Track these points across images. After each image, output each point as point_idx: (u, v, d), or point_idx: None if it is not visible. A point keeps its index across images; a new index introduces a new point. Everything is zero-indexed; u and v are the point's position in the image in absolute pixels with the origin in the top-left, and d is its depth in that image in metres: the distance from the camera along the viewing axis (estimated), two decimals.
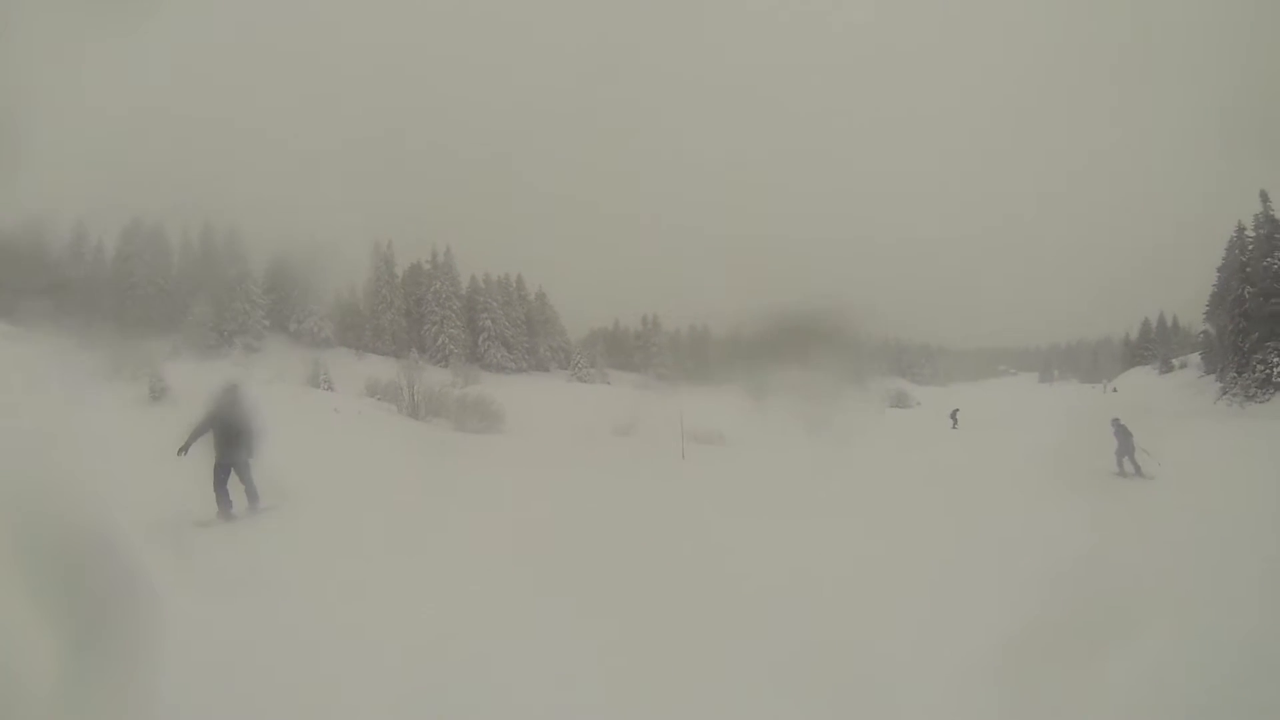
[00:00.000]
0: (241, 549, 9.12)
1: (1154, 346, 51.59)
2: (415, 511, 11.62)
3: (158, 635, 5.22)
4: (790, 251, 53.22)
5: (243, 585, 7.08)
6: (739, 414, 33.97)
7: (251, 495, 10.66)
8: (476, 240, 56.77)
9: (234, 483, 10.61)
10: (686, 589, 7.92)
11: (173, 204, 41.06)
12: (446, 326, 46.23)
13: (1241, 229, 38.64)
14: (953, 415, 35.57)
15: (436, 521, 10.66)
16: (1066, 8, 72.42)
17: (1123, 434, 17.67)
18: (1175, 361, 48.00)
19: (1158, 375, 48.06)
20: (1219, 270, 41.60)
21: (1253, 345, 36.09)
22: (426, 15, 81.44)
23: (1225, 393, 37.43)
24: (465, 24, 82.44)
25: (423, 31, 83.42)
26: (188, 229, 42.79)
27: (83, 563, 5.82)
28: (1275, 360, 35.31)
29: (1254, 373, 35.89)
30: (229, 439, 10.54)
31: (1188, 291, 44.57)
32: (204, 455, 10.46)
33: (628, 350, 54.09)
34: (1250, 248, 37.68)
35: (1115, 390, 47.76)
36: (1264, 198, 37.01)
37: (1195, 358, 45.66)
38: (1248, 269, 37.31)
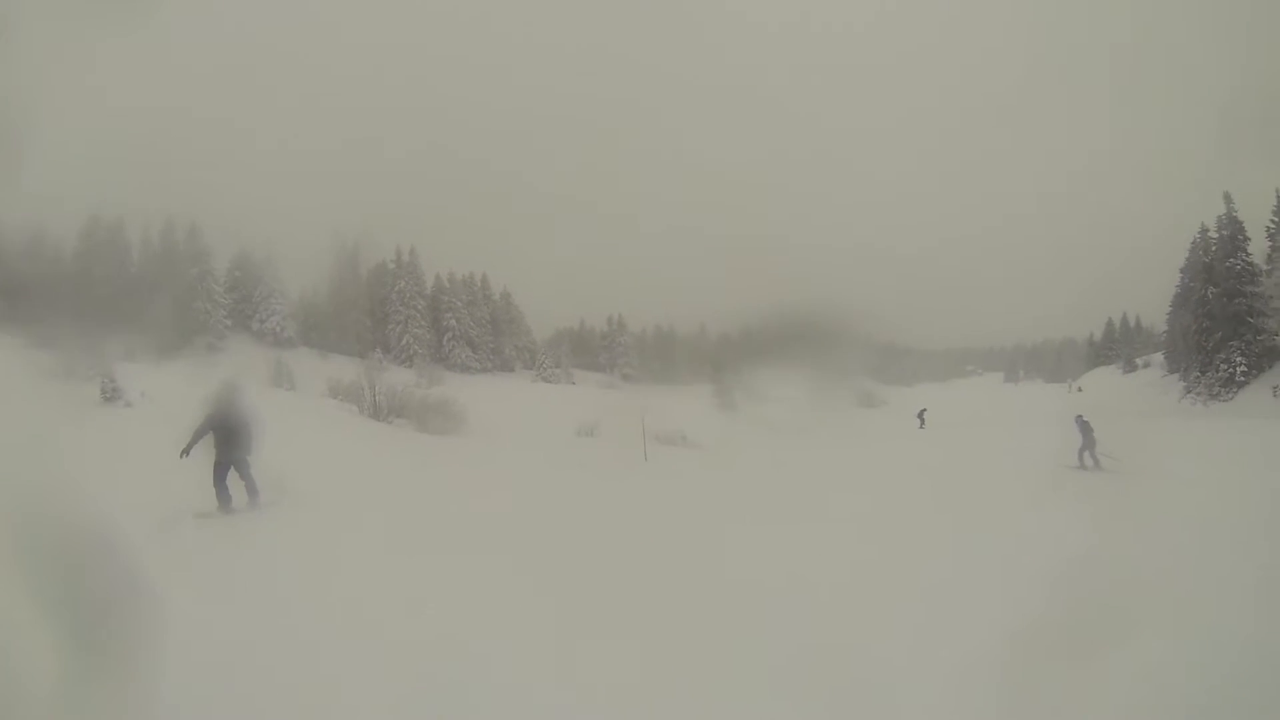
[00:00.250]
0: (241, 545, 9.26)
1: (1118, 346, 52.01)
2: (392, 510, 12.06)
3: (158, 635, 5.17)
4: (759, 252, 53.35)
5: (243, 584, 7.10)
6: (704, 415, 33.84)
7: (251, 491, 10.95)
8: (441, 239, 56.42)
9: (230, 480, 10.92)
10: (661, 590, 7.85)
11: (136, 201, 40.26)
12: (411, 326, 45.73)
13: (1205, 230, 39.01)
14: (920, 415, 35.57)
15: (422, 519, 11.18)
16: (1048, 22, 73.19)
17: (1085, 430, 18.30)
18: (1139, 361, 48.43)
19: (1121, 375, 48.47)
20: (1182, 271, 42.03)
21: (1216, 345, 36.43)
22: (399, 13, 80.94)
23: (1189, 391, 37.80)
24: (436, 22, 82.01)
25: (394, 30, 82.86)
26: (148, 226, 42.00)
27: (83, 563, 5.81)
28: (1238, 360, 35.66)
29: (1217, 372, 36.23)
30: (228, 437, 10.88)
31: (1151, 292, 45.01)
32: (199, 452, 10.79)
33: (593, 350, 54.06)
34: (1214, 248, 38.00)
35: (1080, 390, 48.08)
36: (1228, 199, 37.48)
37: (1158, 357, 46.11)
38: (1211, 269, 37.61)
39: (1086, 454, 18.08)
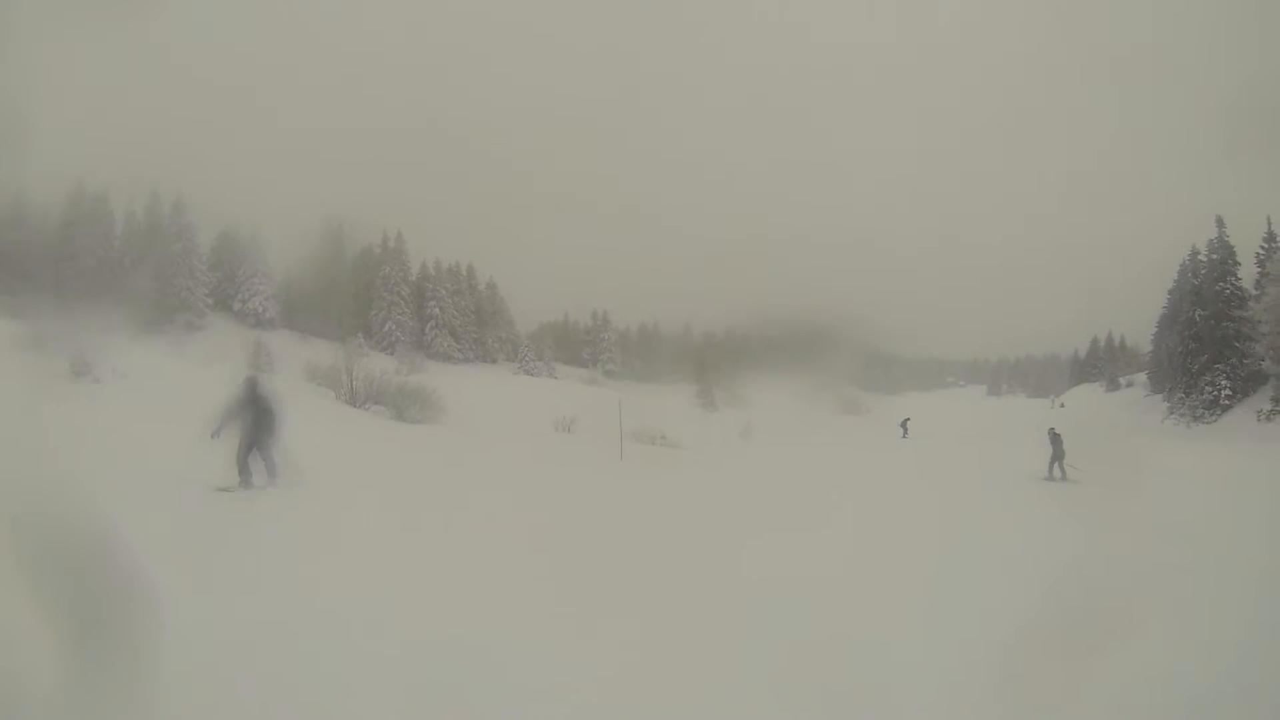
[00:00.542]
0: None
1: (1101, 364, 52.08)
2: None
3: (158, 635, 5.08)
4: (747, 254, 53.23)
5: (244, 583, 7.02)
6: (685, 415, 33.68)
7: (272, 470, 11.84)
8: (428, 227, 56.07)
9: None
10: (652, 589, 7.76)
11: (122, 172, 39.72)
12: (394, 313, 45.43)
13: (1195, 253, 39.03)
14: (903, 425, 35.42)
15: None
16: (1038, 43, 73.53)
17: (1056, 443, 18.71)
18: (1122, 380, 48.52)
19: (1104, 392, 48.53)
20: (1169, 293, 42.08)
21: (1201, 367, 36.36)
22: (398, 3, 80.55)
23: (1172, 412, 37.81)
24: (435, 9, 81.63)
25: (391, 15, 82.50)
26: (133, 200, 41.47)
27: (83, 562, 5.66)
28: (1224, 383, 35.65)
29: (1201, 394, 36.18)
30: (254, 420, 11.84)
31: (1136, 312, 45.10)
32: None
33: (577, 345, 53.84)
34: (1203, 271, 37.98)
35: (1063, 405, 48.11)
36: (1220, 223, 37.50)
37: (1141, 377, 46.21)
38: (1200, 292, 37.58)
39: (1055, 465, 18.53)
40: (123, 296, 37.37)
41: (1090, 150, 69.21)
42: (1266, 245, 35.94)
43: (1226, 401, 35.63)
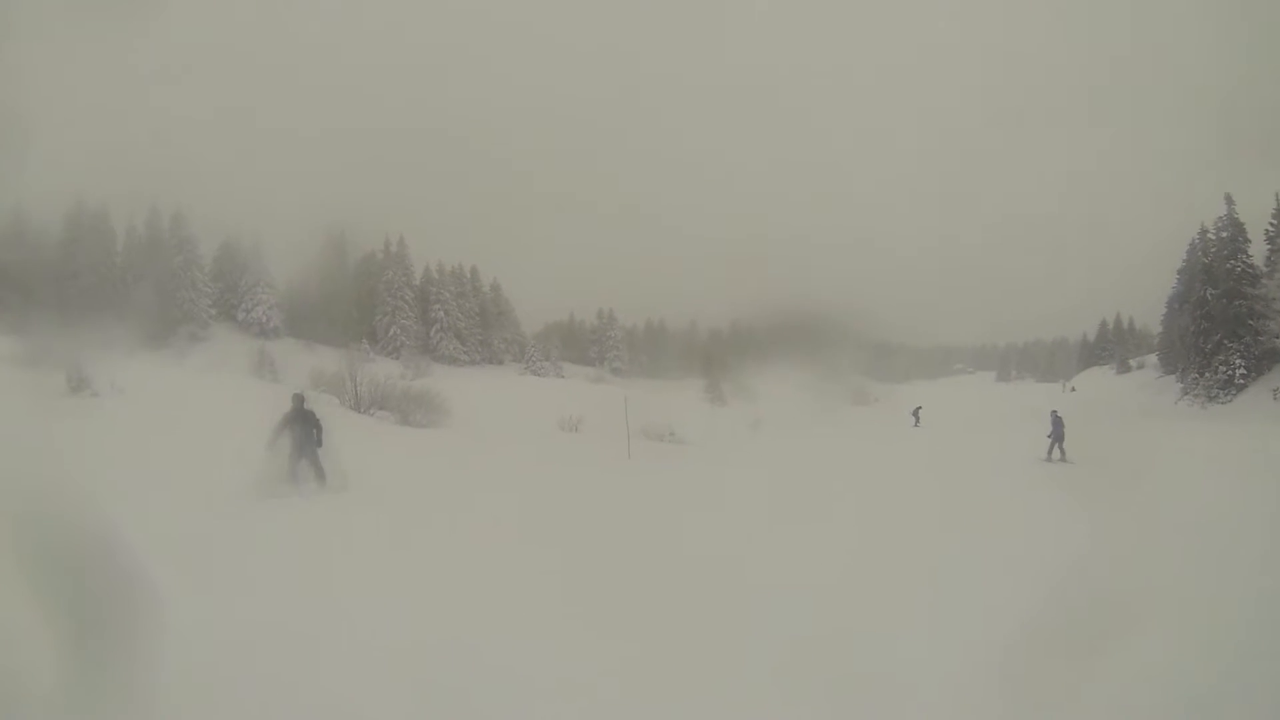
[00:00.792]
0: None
1: (1111, 347, 51.66)
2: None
3: (158, 635, 5.12)
4: (752, 249, 52.94)
5: (250, 584, 7.16)
6: (693, 411, 33.46)
7: (320, 477, 12.97)
8: (431, 230, 55.92)
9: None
10: (655, 588, 7.68)
11: (122, 187, 39.60)
12: (398, 317, 45.25)
13: (1204, 231, 38.59)
14: (915, 413, 35.03)
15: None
16: (1045, 26, 73.21)
17: (1057, 425, 19.16)
18: (1132, 362, 48.07)
19: (1115, 375, 48.10)
20: (1179, 272, 41.64)
21: (1214, 346, 35.91)
22: (396, 4, 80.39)
23: (1186, 393, 37.32)
24: (434, 13, 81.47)
25: (390, 20, 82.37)
26: (133, 214, 41.36)
27: (83, 563, 5.77)
28: (1238, 362, 35.19)
29: (1215, 374, 35.72)
30: (302, 432, 13.08)
31: (1145, 294, 44.71)
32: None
33: (583, 344, 53.60)
34: (1213, 250, 37.55)
35: (1074, 389, 47.67)
36: (1229, 200, 37.00)
37: (1152, 359, 45.75)
38: (1210, 270, 37.15)
39: (1056, 447, 19.00)
40: (125, 311, 37.24)
41: (1096, 134, 68.72)
42: (1276, 221, 35.60)
43: (1241, 381, 35.13)
